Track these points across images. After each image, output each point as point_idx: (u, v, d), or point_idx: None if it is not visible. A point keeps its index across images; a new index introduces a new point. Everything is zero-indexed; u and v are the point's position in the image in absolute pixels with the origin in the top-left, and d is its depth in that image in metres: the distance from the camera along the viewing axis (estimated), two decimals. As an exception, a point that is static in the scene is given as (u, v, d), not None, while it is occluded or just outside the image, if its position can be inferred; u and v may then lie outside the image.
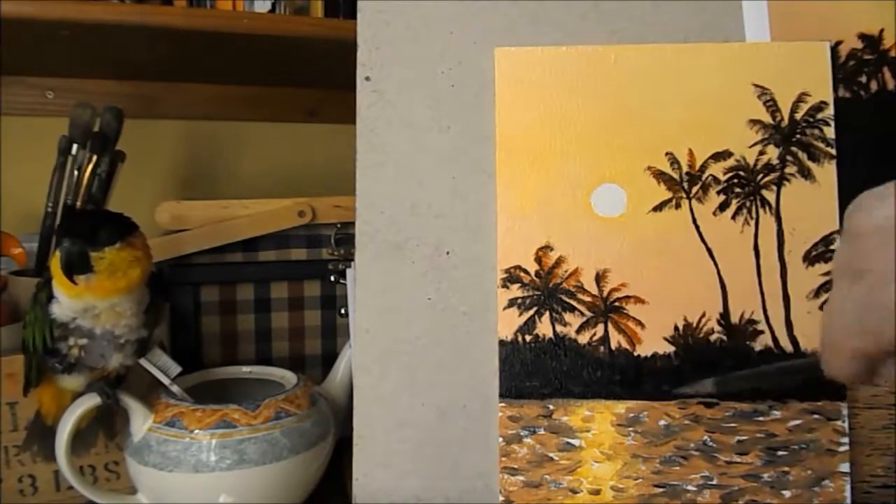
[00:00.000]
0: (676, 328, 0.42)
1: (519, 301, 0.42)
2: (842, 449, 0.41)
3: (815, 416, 0.41)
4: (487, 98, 0.44)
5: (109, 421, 0.53)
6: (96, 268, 0.45)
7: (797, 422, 0.41)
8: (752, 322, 0.41)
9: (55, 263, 0.45)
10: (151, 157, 0.83)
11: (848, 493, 0.40)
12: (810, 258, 0.41)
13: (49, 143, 0.62)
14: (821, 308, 0.41)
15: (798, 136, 0.42)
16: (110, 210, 0.51)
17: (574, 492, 0.41)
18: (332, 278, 0.66)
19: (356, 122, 0.44)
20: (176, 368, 0.52)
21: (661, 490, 0.41)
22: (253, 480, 0.48)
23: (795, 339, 0.41)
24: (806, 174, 0.42)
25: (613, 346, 0.42)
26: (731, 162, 0.42)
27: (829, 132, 0.42)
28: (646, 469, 0.41)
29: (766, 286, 0.42)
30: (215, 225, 0.65)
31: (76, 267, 0.44)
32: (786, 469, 0.41)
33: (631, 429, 0.42)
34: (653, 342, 0.42)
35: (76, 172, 0.61)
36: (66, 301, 0.46)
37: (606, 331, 0.42)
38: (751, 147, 0.42)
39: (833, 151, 0.42)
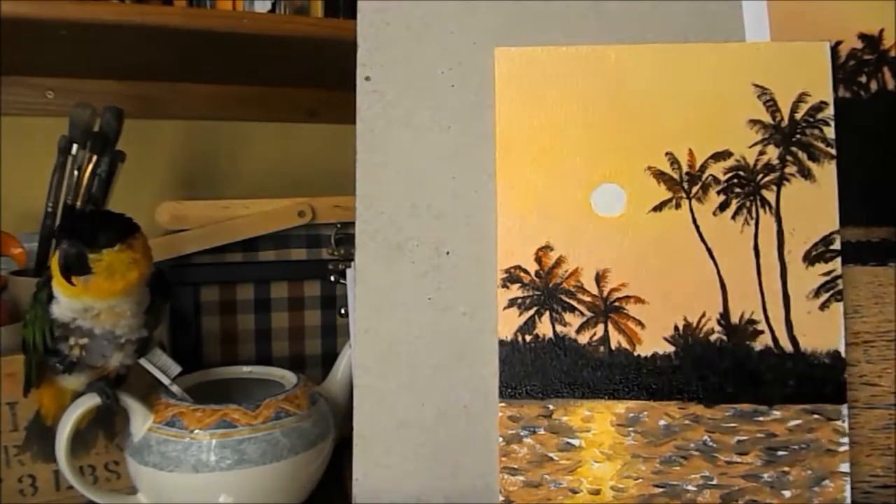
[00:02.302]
0: (676, 328, 0.42)
1: (519, 301, 0.42)
2: (842, 449, 0.41)
3: (815, 416, 0.41)
4: (487, 98, 0.44)
5: (109, 421, 0.53)
6: (94, 269, 0.45)
7: (797, 422, 0.41)
8: (752, 322, 0.41)
9: (55, 263, 0.45)
10: (151, 157, 0.83)
11: (848, 493, 0.40)
12: (810, 258, 0.41)
13: (49, 143, 0.62)
14: (821, 308, 0.41)
15: (798, 136, 0.42)
16: (111, 211, 0.50)
17: (574, 492, 0.41)
18: (332, 278, 0.66)
19: (356, 122, 0.44)
20: (176, 368, 0.52)
21: (661, 490, 0.41)
22: (253, 480, 0.48)
23: (795, 339, 0.41)
24: (806, 174, 0.42)
25: (613, 346, 0.42)
26: (731, 162, 0.42)
27: (829, 132, 0.42)
28: (646, 469, 0.41)
29: (766, 286, 0.42)
30: (215, 225, 0.65)
31: (73, 268, 0.44)
32: (786, 469, 0.41)
33: (631, 429, 0.42)
34: (653, 342, 0.42)
35: (76, 172, 0.61)
36: (66, 301, 0.46)
37: (606, 331, 0.42)
38: (751, 147, 0.42)
39: (833, 151, 0.42)
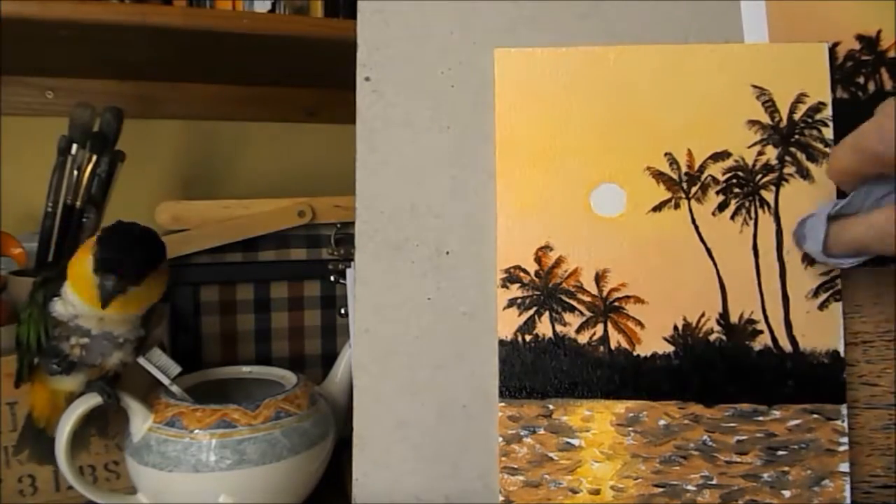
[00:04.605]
0: (676, 328, 0.42)
1: (519, 301, 0.42)
2: (842, 449, 0.41)
3: (815, 416, 0.41)
4: (487, 98, 0.44)
5: (103, 420, 0.53)
6: (127, 291, 0.45)
7: (797, 422, 0.41)
8: (751, 322, 0.42)
9: (78, 272, 0.45)
10: (151, 157, 0.83)
11: (848, 493, 0.40)
12: (809, 258, 0.41)
13: (49, 143, 0.62)
14: (820, 308, 0.41)
15: (797, 136, 0.42)
16: (145, 228, 0.48)
17: (574, 491, 0.41)
18: (332, 278, 0.66)
19: (356, 122, 0.44)
20: (176, 368, 0.52)
21: (661, 490, 0.41)
22: (253, 480, 0.48)
23: (795, 339, 0.41)
24: (804, 174, 0.42)
25: (613, 345, 0.42)
26: (729, 162, 0.42)
27: (828, 133, 0.42)
28: (646, 469, 0.41)
29: (765, 286, 0.42)
30: (215, 225, 0.65)
31: (113, 299, 0.45)
32: (786, 469, 0.41)
33: (631, 428, 0.42)
34: (652, 342, 0.42)
35: (76, 172, 0.61)
36: (81, 307, 0.46)
37: (606, 331, 0.42)
38: (749, 147, 0.42)
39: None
